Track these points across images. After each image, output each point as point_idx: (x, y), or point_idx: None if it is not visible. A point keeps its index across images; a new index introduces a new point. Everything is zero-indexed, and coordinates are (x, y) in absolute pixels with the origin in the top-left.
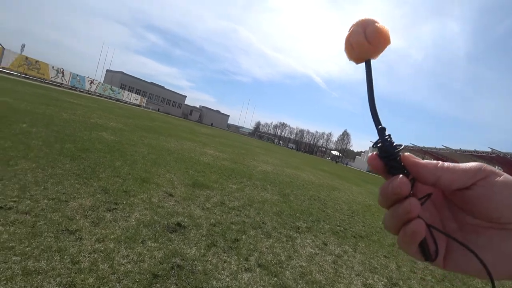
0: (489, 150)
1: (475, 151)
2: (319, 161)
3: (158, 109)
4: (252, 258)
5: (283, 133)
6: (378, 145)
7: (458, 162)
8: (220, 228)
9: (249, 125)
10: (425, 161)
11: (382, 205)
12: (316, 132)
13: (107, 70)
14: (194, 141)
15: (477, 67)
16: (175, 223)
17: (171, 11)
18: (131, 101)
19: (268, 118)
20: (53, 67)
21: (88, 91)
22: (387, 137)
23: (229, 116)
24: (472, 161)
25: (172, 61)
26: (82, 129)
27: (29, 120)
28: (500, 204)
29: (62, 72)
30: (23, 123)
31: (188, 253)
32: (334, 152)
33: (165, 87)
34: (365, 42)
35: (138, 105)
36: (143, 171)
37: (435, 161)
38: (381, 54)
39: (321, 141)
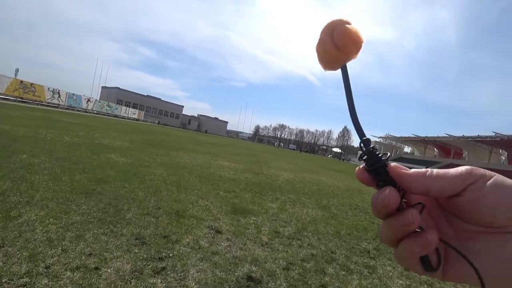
0: (493, 134)
1: (478, 136)
2: (325, 161)
3: (158, 122)
4: None
5: (283, 135)
6: (364, 158)
7: (463, 150)
8: (297, 271)
9: (249, 129)
10: (412, 171)
11: (376, 216)
12: (316, 130)
13: (102, 87)
14: (203, 153)
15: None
16: (245, 277)
17: (161, 23)
18: (129, 115)
19: (267, 121)
20: (48, 88)
21: (86, 109)
22: (371, 148)
23: (227, 122)
24: (477, 147)
25: (166, 73)
26: (89, 152)
27: (30, 149)
28: (492, 208)
29: (58, 93)
30: (23, 153)
31: None
32: (335, 149)
33: (162, 99)
34: (333, 50)
35: (137, 119)
36: (172, 200)
37: (423, 170)
38: (358, 54)
39: (322, 139)
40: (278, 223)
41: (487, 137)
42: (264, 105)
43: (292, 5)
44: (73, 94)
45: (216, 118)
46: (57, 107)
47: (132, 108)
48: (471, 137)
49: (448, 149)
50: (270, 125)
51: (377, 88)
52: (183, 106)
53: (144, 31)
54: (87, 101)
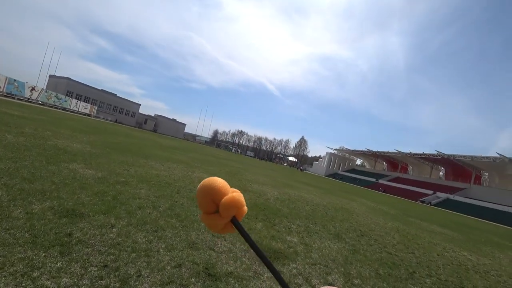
0: (435, 152)
1: (423, 154)
2: (288, 171)
3: (116, 120)
4: None
5: (241, 141)
6: None
7: (408, 165)
8: None
9: (207, 133)
10: None
11: None
12: (274, 139)
13: (50, 76)
14: (174, 161)
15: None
16: None
17: (121, 13)
18: (79, 110)
19: (226, 126)
20: None
21: (29, 99)
22: None
23: (185, 124)
24: (421, 163)
25: (122, 67)
26: (44, 160)
27: None
28: None
29: None
30: None
31: None
32: (291, 158)
33: (117, 95)
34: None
35: (88, 115)
36: (186, 245)
37: None
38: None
39: (279, 148)
40: (320, 269)
41: (430, 154)
42: (224, 110)
43: (257, 15)
44: (14, 80)
45: (174, 120)
46: None
47: (84, 101)
48: (416, 154)
49: (396, 163)
50: (229, 131)
51: (333, 101)
52: (140, 105)
53: (101, 19)
54: (31, 89)
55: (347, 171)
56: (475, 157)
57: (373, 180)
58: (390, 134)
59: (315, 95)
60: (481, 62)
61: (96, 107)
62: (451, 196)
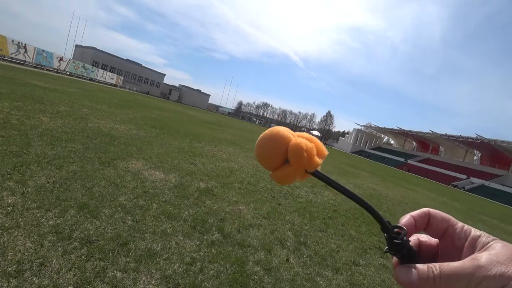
0: (475, 136)
1: (460, 136)
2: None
3: (148, 92)
4: None
5: (265, 113)
6: (399, 254)
7: (440, 146)
8: None
9: (232, 105)
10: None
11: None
12: (300, 112)
13: (76, 46)
14: (224, 142)
15: (453, 52)
16: None
17: None
18: (106, 80)
19: (251, 98)
20: (12, 41)
21: (57, 69)
22: (405, 242)
23: (209, 95)
24: (455, 146)
25: (144, 36)
26: (95, 159)
27: None
28: None
29: (25, 47)
30: None
31: None
32: (314, 133)
33: (143, 65)
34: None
35: (114, 85)
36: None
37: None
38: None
39: (304, 121)
40: None
41: (468, 137)
42: (248, 81)
43: None
44: (43, 51)
45: (198, 90)
46: (23, 64)
47: (110, 72)
48: (453, 136)
49: (427, 144)
50: (254, 102)
51: (360, 75)
52: (164, 75)
53: None
54: (60, 60)
55: (374, 148)
56: None
57: (402, 159)
58: (418, 112)
59: (341, 68)
60: None
61: (122, 77)
62: (486, 183)
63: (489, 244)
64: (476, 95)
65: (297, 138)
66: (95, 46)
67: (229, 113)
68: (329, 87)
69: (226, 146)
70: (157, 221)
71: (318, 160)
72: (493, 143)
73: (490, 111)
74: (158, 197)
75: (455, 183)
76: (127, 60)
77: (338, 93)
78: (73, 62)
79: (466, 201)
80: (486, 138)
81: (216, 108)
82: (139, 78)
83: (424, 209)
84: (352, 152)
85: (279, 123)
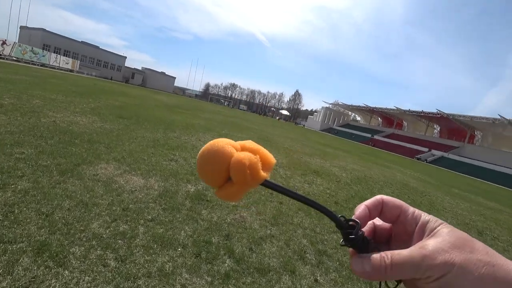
0: (435, 111)
1: (422, 111)
2: (291, 127)
3: (111, 77)
4: None
5: (234, 95)
6: (353, 245)
7: (403, 122)
8: None
9: (199, 87)
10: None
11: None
12: (268, 92)
13: (21, 27)
14: (200, 128)
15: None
16: None
17: None
18: (60, 65)
19: (218, 79)
20: None
21: (0, 55)
22: (360, 234)
23: (175, 78)
24: (417, 120)
25: (99, 16)
26: (53, 168)
27: None
28: None
29: None
30: None
31: None
32: (284, 112)
33: (100, 47)
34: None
35: (71, 70)
36: None
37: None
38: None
39: (273, 101)
40: None
41: (429, 112)
42: (214, 62)
43: None
44: None
45: (163, 73)
46: None
47: (64, 56)
48: (415, 111)
49: (391, 119)
50: (221, 84)
51: (326, 54)
52: (125, 57)
53: None
54: (2, 43)
55: (342, 126)
56: (475, 117)
57: (369, 135)
58: (382, 89)
59: (308, 47)
60: (482, 16)
61: (78, 62)
62: (445, 154)
63: (436, 230)
64: (433, 71)
65: (239, 153)
66: (44, 28)
67: (196, 95)
68: (297, 66)
69: (202, 133)
70: (149, 253)
71: (264, 175)
72: (451, 117)
73: (446, 86)
74: (143, 214)
75: (418, 156)
76: (83, 42)
77: (305, 72)
78: (19, 45)
79: (434, 174)
80: (445, 113)
81: (183, 91)
82: (98, 62)
83: (378, 197)
84: (321, 130)
85: (248, 103)
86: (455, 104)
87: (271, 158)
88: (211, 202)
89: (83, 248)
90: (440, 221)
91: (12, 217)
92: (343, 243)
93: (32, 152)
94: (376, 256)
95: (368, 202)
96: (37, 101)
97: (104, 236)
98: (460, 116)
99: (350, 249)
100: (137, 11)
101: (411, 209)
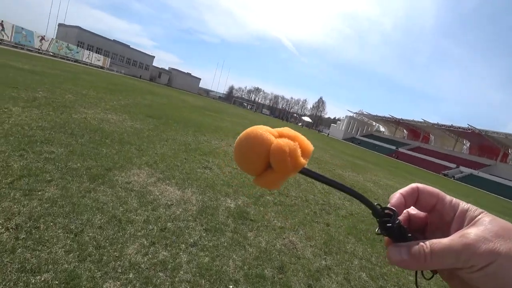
0: (466, 126)
1: (452, 126)
2: (315, 135)
3: (140, 76)
4: None
5: (257, 98)
6: (392, 235)
7: (430, 135)
8: None
9: (223, 89)
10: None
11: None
12: (291, 98)
13: (59, 24)
14: (229, 133)
15: (442, 41)
16: None
17: None
18: (92, 62)
19: (242, 82)
20: None
21: (39, 49)
22: (395, 223)
23: (200, 79)
24: (446, 135)
25: (132, 17)
26: (83, 173)
27: None
28: None
29: (1, 25)
30: None
31: None
32: (305, 119)
33: (130, 46)
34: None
35: (101, 67)
36: None
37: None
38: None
39: (296, 107)
40: None
41: (459, 127)
42: (239, 65)
43: None
44: (22, 29)
45: (188, 74)
46: (0, 43)
47: (96, 53)
48: (444, 125)
49: (417, 132)
50: (245, 87)
51: (352, 62)
52: (154, 57)
53: None
54: (41, 39)
55: (365, 136)
56: (509, 134)
57: (393, 147)
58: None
59: (334, 54)
60: None
61: (109, 59)
62: (475, 172)
63: (477, 219)
64: (464, 84)
65: (279, 140)
66: (79, 26)
67: (219, 97)
68: (321, 73)
69: (232, 138)
70: None
71: (303, 161)
72: (483, 133)
73: (477, 100)
74: (184, 236)
75: (445, 172)
76: (114, 41)
77: (330, 79)
78: (56, 41)
79: (463, 191)
80: (477, 129)
81: (207, 92)
82: (127, 60)
83: (413, 185)
84: (343, 139)
85: (271, 108)
86: (486, 119)
87: (309, 145)
88: (256, 222)
89: (118, 283)
90: (480, 209)
91: (37, 235)
92: (379, 231)
93: (62, 152)
94: (414, 244)
95: (403, 190)
96: (69, 95)
97: (143, 266)
98: (493, 132)
99: (386, 238)
100: (167, 13)
101: (448, 197)
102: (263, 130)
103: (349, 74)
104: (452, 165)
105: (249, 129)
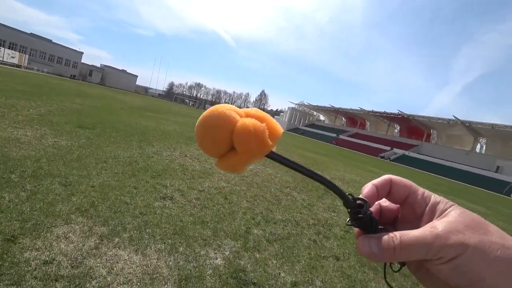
0: (397, 111)
1: (385, 112)
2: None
3: (74, 76)
4: None
5: (199, 94)
6: (361, 225)
7: (366, 121)
8: None
9: (162, 86)
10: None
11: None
12: (234, 92)
13: None
14: (178, 137)
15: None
16: None
17: None
18: (4, 59)
19: (183, 78)
20: None
21: None
22: (366, 213)
23: (137, 76)
24: (379, 121)
25: (52, 7)
26: None
27: None
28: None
29: None
30: None
31: None
32: None
33: (53, 41)
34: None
35: (18, 66)
36: None
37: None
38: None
39: (239, 102)
40: None
41: (391, 113)
42: (178, 61)
43: None
44: None
45: (123, 71)
46: None
47: (9, 49)
48: (378, 112)
49: (355, 119)
50: (186, 83)
51: (291, 55)
52: (82, 53)
53: None
54: None
55: (307, 126)
56: (432, 118)
57: (334, 135)
58: (345, 90)
59: (272, 47)
60: (434, 23)
61: (27, 56)
62: (406, 152)
63: (447, 211)
64: (392, 73)
65: (244, 119)
66: None
67: (159, 95)
68: (262, 66)
69: (185, 145)
70: None
71: (270, 143)
72: (411, 117)
73: (403, 88)
74: None
75: (382, 155)
76: (32, 34)
77: (271, 72)
78: None
79: (400, 172)
80: (405, 114)
81: (145, 90)
82: (50, 57)
83: (386, 177)
84: (288, 130)
85: (214, 103)
86: (410, 104)
87: (278, 127)
88: (261, 287)
89: None
90: (451, 202)
91: None
92: (350, 222)
93: None
94: (384, 236)
95: (376, 181)
96: None
97: None
98: (419, 116)
99: (356, 229)
100: (93, 2)
101: (420, 189)
102: (228, 108)
103: (289, 66)
104: (387, 148)
105: (214, 107)
